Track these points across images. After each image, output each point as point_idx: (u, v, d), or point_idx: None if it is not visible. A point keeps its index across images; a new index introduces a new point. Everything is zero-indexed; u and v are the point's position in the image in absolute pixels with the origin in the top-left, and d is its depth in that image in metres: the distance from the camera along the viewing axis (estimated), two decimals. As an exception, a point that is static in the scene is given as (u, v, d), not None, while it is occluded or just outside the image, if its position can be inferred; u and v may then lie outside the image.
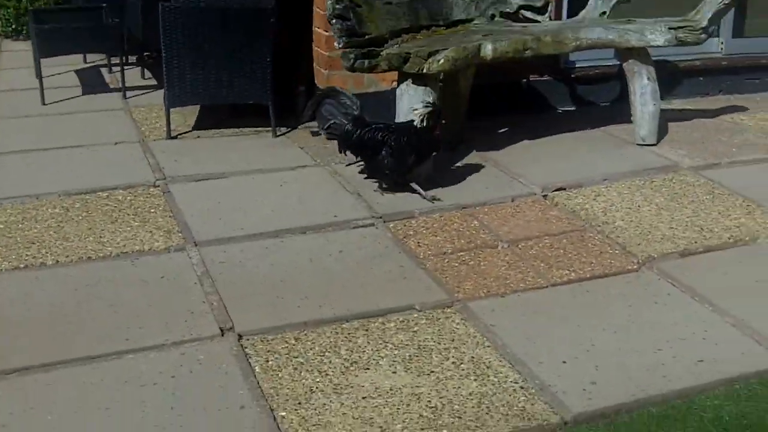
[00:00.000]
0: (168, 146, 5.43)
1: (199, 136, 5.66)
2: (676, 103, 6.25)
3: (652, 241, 4.09)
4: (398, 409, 2.91)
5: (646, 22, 5.09)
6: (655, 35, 5.01)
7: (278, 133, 5.67)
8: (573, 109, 6.08)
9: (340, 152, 4.74)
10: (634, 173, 4.86)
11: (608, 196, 4.59)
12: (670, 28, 5.01)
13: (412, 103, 4.63)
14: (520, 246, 4.10)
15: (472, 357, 3.22)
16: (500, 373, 3.12)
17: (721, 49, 6.42)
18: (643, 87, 5.17)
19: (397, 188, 4.59)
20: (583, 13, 5.42)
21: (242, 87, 5.48)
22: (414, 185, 4.56)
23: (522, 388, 3.04)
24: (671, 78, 6.28)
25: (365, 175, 4.77)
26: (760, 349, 3.26)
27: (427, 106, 4.47)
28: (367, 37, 4.59)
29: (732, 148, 5.27)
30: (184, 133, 5.71)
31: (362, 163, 4.79)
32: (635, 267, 3.90)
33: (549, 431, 2.85)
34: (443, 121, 4.58)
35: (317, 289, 3.68)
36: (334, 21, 4.48)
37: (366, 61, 4.51)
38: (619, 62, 5.37)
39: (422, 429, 2.82)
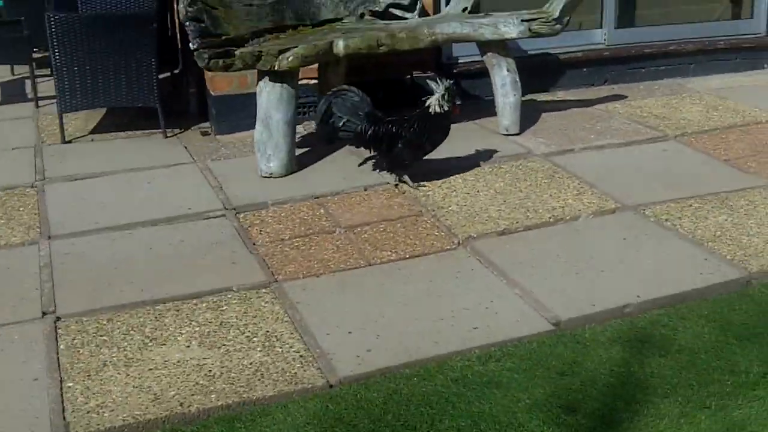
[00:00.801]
0: (59, 150, 5.72)
1: (93, 140, 5.94)
2: (560, 95, 6.49)
3: (476, 223, 4.33)
4: (177, 378, 3.17)
5: (501, 15, 5.35)
6: (509, 28, 5.26)
7: (169, 134, 5.93)
8: (457, 103, 6.29)
9: (359, 148, 4.89)
10: (487, 161, 5.11)
11: (453, 183, 4.84)
12: (523, 20, 5.25)
13: (270, 100, 4.89)
14: (355, 231, 4.35)
15: (267, 331, 3.47)
16: (287, 344, 3.37)
17: (605, 40, 6.64)
18: (503, 78, 5.42)
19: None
20: (446, 9, 5.68)
21: (129, 91, 5.76)
22: (406, 177, 4.82)
23: (302, 356, 3.29)
24: (556, 70, 6.53)
25: (382, 170, 4.94)
26: (534, 315, 3.51)
27: (447, 88, 4.63)
28: (224, 37, 4.84)
29: (591, 135, 5.51)
30: (80, 137, 5.99)
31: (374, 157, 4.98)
32: (453, 246, 4.15)
33: (312, 393, 3.09)
34: (458, 102, 4.74)
35: (145, 275, 3.95)
36: (188, 23, 4.74)
37: (221, 60, 4.77)
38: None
39: (193, 395, 3.07)
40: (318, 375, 3.18)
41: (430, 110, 4.65)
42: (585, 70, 6.58)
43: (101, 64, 5.71)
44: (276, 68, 4.79)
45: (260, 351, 3.33)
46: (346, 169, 5.12)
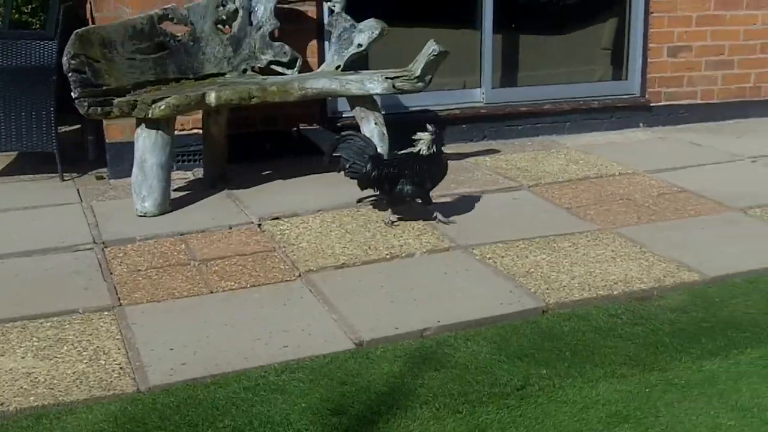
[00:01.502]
0: (-41, 190, 6.10)
1: (-5, 181, 6.33)
2: (439, 148, 6.93)
3: (319, 258, 4.75)
4: (5, 383, 3.54)
5: (367, 72, 5.83)
6: (374, 84, 5.74)
7: (66, 178, 6.33)
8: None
9: (362, 189, 5.34)
10: (347, 205, 5.54)
11: (311, 224, 5.26)
12: (387, 78, 5.74)
13: (145, 145, 5.31)
14: (207, 264, 4.75)
15: (98, 347, 3.85)
16: (111, 358, 3.75)
17: (483, 98, 7.14)
18: (371, 131, 5.89)
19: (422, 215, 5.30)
20: (322, 66, 6.17)
21: (29, 137, 6.19)
22: (437, 214, 5.24)
23: (121, 368, 3.67)
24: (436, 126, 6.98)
25: (389, 208, 5.34)
26: (342, 336, 3.91)
27: (432, 134, 5.15)
28: (104, 87, 5.27)
29: (452, 184, 5.96)
30: (-16, 179, 6.38)
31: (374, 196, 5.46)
32: (293, 278, 4.56)
33: (121, 399, 3.46)
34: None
35: (4, 298, 4.32)
36: (70, 74, 5.18)
37: (99, 108, 5.20)
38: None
39: (15, 396, 3.44)
40: (131, 383, 3.55)
41: (422, 153, 5.14)
42: (464, 126, 7.06)
43: (3, 112, 6.12)
44: (150, 116, 5.23)
45: (86, 363, 3.70)
46: (218, 211, 5.54)
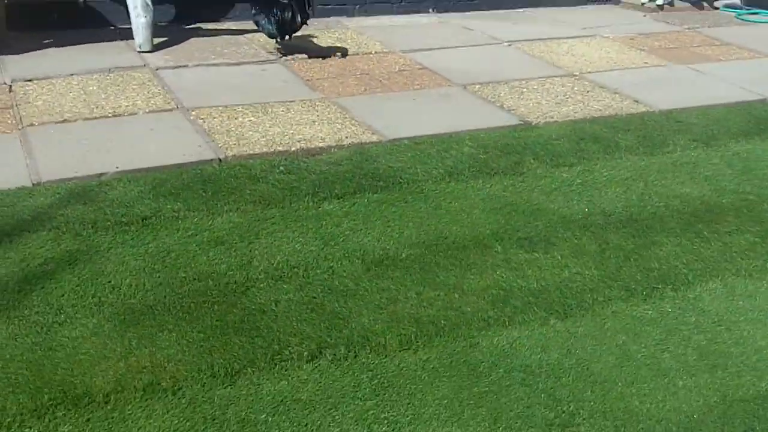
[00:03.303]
0: None
1: None
2: (227, 24, 7.37)
3: (46, 115, 5.17)
4: None
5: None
6: (133, -43, 6.08)
7: None
8: (129, 27, 7.10)
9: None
10: (101, 70, 5.94)
11: (56, 86, 5.67)
12: (145, -48, 6.07)
13: None
14: (-59, 117, 5.13)
15: None
16: None
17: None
18: (134, 2, 6.24)
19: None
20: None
21: None
22: None
23: None
24: (227, 3, 7.37)
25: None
26: (25, 177, 4.37)
27: None
28: None
29: (213, 56, 6.39)
30: None
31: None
32: (12, 131, 4.98)
33: None
34: None
35: None
36: None
37: None
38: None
39: None
40: None
41: None
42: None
43: None
44: None
45: None
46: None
